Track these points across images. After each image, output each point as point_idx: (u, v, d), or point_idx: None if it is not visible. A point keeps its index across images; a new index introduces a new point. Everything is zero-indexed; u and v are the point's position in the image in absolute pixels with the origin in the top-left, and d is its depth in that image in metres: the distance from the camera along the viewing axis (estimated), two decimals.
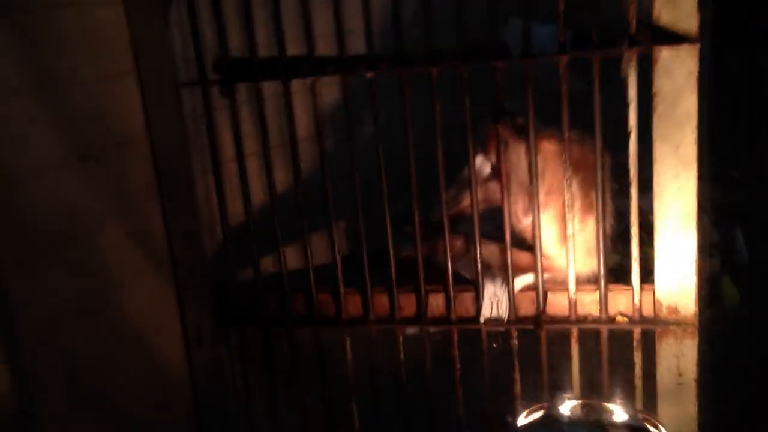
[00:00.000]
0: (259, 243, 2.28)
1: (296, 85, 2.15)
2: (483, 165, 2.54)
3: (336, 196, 2.20)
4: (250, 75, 2.16)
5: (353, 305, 2.27)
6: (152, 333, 2.20)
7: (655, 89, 1.93)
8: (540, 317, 2.11)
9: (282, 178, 2.30)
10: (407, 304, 2.23)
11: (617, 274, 2.12)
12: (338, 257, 2.21)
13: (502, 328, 2.13)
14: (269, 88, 2.23)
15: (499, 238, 2.21)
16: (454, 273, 2.18)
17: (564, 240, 2.08)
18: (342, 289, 2.24)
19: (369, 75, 2.07)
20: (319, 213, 2.24)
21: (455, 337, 2.18)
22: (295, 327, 2.29)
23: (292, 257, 2.34)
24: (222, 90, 2.17)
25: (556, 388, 2.14)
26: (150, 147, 2.19)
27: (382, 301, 2.25)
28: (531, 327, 2.12)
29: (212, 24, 2.18)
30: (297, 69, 2.13)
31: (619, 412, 1.71)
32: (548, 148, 2.09)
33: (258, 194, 2.37)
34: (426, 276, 2.20)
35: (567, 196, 2.02)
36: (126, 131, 2.16)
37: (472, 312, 2.19)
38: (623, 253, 2.17)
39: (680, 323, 2.03)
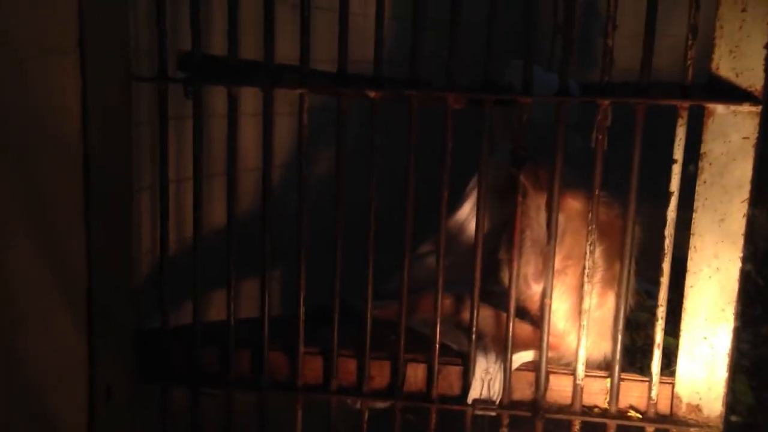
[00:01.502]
0: (200, 282, 1.86)
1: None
2: (470, 216, 2.23)
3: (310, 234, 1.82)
4: (226, 77, 1.76)
5: (312, 369, 1.86)
6: (49, 388, 1.73)
7: (703, 150, 1.68)
8: (539, 403, 1.77)
9: (244, 206, 1.90)
10: (379, 374, 1.85)
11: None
12: (301, 308, 1.81)
13: (493, 413, 1.78)
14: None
15: (496, 304, 1.88)
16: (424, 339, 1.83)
17: (576, 316, 1.77)
18: (302, 349, 1.83)
19: (373, 95, 1.72)
20: (279, 253, 1.85)
21: (434, 418, 1.81)
22: (236, 389, 1.86)
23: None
24: (187, 90, 1.76)
25: None
26: (83, 151, 1.75)
27: (348, 367, 1.86)
28: (527, 414, 1.78)
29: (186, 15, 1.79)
30: (284, 77, 1.76)
31: None
32: (573, 206, 1.79)
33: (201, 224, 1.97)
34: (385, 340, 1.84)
35: (588, 264, 1.72)
36: (55, 124, 1.71)
37: (457, 390, 1.83)
38: (633, 338, 1.89)
39: (701, 425, 1.74)
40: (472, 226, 2.21)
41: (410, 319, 1.86)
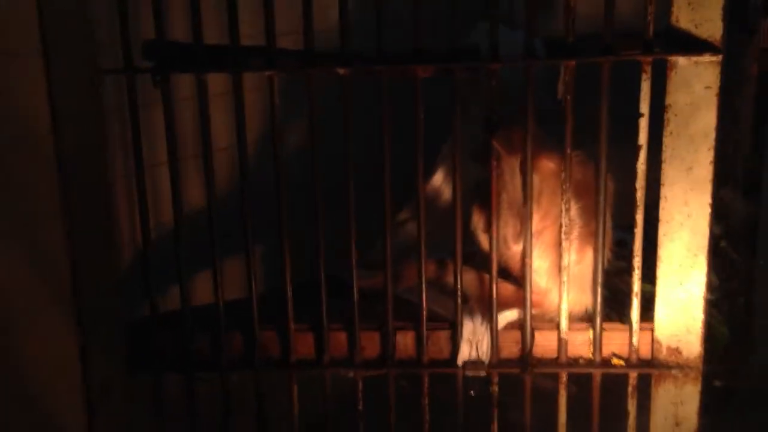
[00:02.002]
0: (182, 267, 1.87)
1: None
2: (445, 181, 2.26)
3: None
4: (193, 64, 1.76)
5: (304, 345, 1.89)
6: (46, 388, 1.74)
7: (668, 102, 1.71)
8: (527, 359, 1.83)
9: (219, 185, 1.90)
10: (369, 344, 1.89)
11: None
12: (289, 286, 1.84)
13: (483, 373, 1.84)
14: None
15: (478, 266, 1.92)
16: (412, 306, 1.88)
17: (556, 272, 1.82)
18: (292, 326, 1.86)
19: (342, 72, 1.73)
20: (264, 231, 1.87)
21: (426, 382, 1.86)
22: (230, 371, 1.89)
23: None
24: (155, 79, 1.75)
25: None
26: (54, 149, 1.74)
27: (339, 340, 1.89)
28: (516, 370, 1.84)
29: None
30: (251, 60, 1.76)
31: None
32: (548, 167, 1.83)
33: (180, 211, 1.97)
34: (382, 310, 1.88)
35: (565, 222, 1.76)
36: (26, 125, 1.70)
37: (446, 354, 1.88)
38: (612, 288, 1.95)
39: (682, 366, 1.81)
40: (447, 192, 2.27)
41: (395, 288, 1.89)
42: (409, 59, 1.73)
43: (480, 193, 1.93)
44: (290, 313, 1.85)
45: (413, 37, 1.73)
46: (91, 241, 1.79)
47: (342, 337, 1.89)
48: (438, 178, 2.24)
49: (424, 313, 1.83)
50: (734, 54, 1.73)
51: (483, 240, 1.96)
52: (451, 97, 1.75)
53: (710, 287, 1.83)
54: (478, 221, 1.95)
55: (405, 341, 1.88)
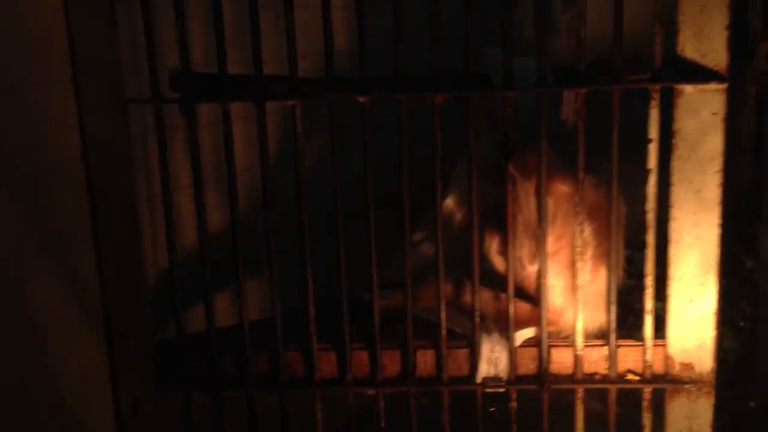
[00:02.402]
0: (209, 290, 1.93)
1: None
2: (457, 204, 2.33)
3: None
4: (217, 94, 1.83)
5: (327, 364, 1.95)
6: (78, 408, 1.80)
7: (676, 128, 1.79)
8: (544, 375, 1.89)
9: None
10: (390, 363, 1.95)
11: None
12: (311, 308, 1.90)
13: (502, 389, 1.89)
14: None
15: (493, 286, 1.98)
16: (430, 325, 1.94)
17: (571, 291, 1.88)
18: (315, 345, 1.92)
19: (362, 100, 1.80)
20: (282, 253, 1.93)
21: (446, 400, 1.91)
22: (256, 390, 1.94)
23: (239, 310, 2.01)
24: (182, 110, 1.82)
25: None
26: (86, 175, 1.81)
27: (361, 359, 1.95)
28: (533, 387, 1.90)
29: (172, 33, 1.85)
30: (273, 90, 1.83)
31: None
32: (561, 190, 1.89)
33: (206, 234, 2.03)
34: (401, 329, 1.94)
35: (579, 243, 1.83)
36: (58, 154, 1.77)
37: (465, 371, 1.94)
38: (624, 306, 2.00)
39: (695, 381, 1.87)
40: (459, 214, 2.33)
41: (413, 308, 1.95)
42: (427, 86, 1.80)
43: (493, 216, 1.99)
44: (313, 333, 1.91)
45: (430, 64, 1.80)
46: (120, 264, 1.85)
47: (363, 355, 1.94)
48: (450, 201, 2.31)
49: (443, 331, 1.89)
50: (734, 78, 1.80)
51: (497, 261, 2.02)
52: (465, 122, 1.82)
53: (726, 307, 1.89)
54: (491, 243, 2.02)
55: (425, 359, 1.94)
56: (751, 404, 2.46)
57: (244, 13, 1.81)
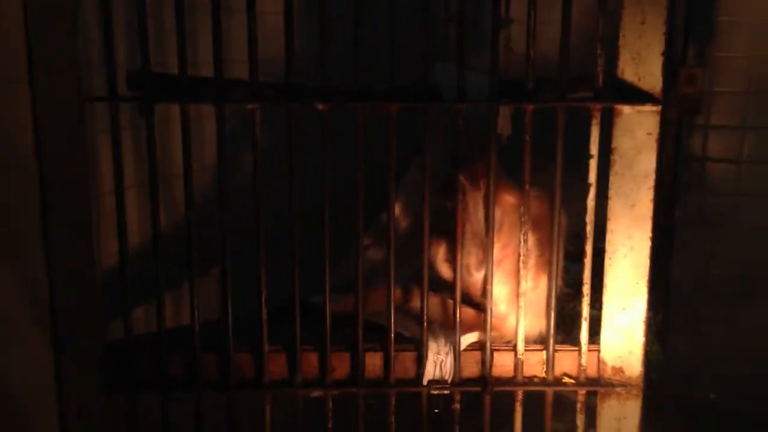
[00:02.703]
0: (162, 290, 1.93)
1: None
2: (402, 212, 2.40)
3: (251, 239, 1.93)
4: (177, 95, 1.84)
5: (277, 366, 1.98)
6: (25, 410, 1.77)
7: (614, 145, 1.91)
8: (487, 378, 1.98)
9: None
10: (340, 365, 1.99)
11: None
12: (264, 309, 1.93)
13: (447, 391, 1.97)
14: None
15: (440, 291, 2.06)
16: (384, 328, 2.00)
17: (514, 298, 1.98)
18: (266, 347, 1.95)
19: (321, 107, 1.85)
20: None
21: (393, 401, 1.97)
22: (205, 392, 1.95)
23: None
24: (141, 109, 1.83)
25: None
26: (38, 173, 1.79)
27: (310, 361, 1.99)
28: (477, 389, 1.98)
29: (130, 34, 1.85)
30: (234, 93, 1.86)
31: None
32: (508, 200, 1.99)
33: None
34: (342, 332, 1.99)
35: (523, 251, 1.93)
36: (10, 152, 1.75)
37: (412, 373, 2.00)
38: (562, 313, 2.11)
39: (625, 384, 1.99)
40: (404, 222, 2.40)
41: (364, 312, 2.00)
42: (384, 97, 1.87)
43: (439, 225, 2.07)
44: (265, 335, 1.93)
45: (389, 76, 1.87)
46: (71, 264, 1.83)
47: (313, 357, 1.98)
48: (397, 208, 2.37)
49: (392, 335, 1.95)
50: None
51: (442, 268, 2.10)
52: (421, 133, 1.89)
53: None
54: (437, 251, 2.09)
55: (373, 362, 1.99)
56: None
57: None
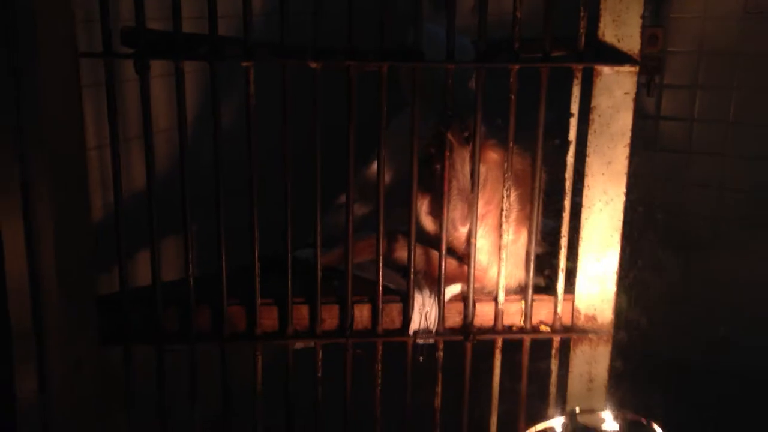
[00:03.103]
0: (156, 244, 1.96)
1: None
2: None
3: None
4: (171, 52, 1.85)
5: (269, 319, 2.04)
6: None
7: (593, 104, 2.00)
8: (469, 328, 2.08)
9: (161, 167, 1.99)
10: (329, 317, 2.06)
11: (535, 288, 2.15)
12: (257, 263, 1.98)
13: (431, 340, 2.06)
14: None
15: (424, 243, 2.14)
16: (368, 281, 2.08)
17: (496, 251, 2.07)
18: (258, 300, 2.00)
19: (314, 66, 1.89)
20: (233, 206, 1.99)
21: (380, 350, 2.06)
22: (198, 343, 2.00)
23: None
24: (137, 66, 1.83)
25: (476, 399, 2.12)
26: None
27: (301, 313, 2.05)
28: (460, 338, 2.08)
29: None
30: (227, 51, 1.87)
31: (610, 419, 1.73)
32: (493, 157, 2.06)
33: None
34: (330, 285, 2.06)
35: (505, 206, 2.02)
36: None
37: (398, 324, 2.09)
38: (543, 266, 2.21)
39: (596, 331, 2.11)
40: (386, 176, 2.45)
41: (346, 265, 2.07)
42: (377, 56, 1.91)
43: (422, 180, 2.13)
44: (257, 288, 1.98)
45: (380, 37, 1.91)
46: (70, 219, 1.84)
47: (304, 310, 2.05)
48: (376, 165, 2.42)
49: (380, 287, 2.03)
50: None
51: (426, 221, 2.17)
52: (412, 90, 1.95)
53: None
54: (421, 205, 2.16)
55: (361, 314, 2.07)
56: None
57: None
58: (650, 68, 2.81)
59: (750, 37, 3.37)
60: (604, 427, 1.70)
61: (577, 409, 1.82)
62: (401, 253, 2.13)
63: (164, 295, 1.98)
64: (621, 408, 1.78)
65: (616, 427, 1.68)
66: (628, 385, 2.25)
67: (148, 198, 1.92)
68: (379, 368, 2.07)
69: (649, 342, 2.97)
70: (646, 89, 2.96)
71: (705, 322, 3.41)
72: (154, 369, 1.98)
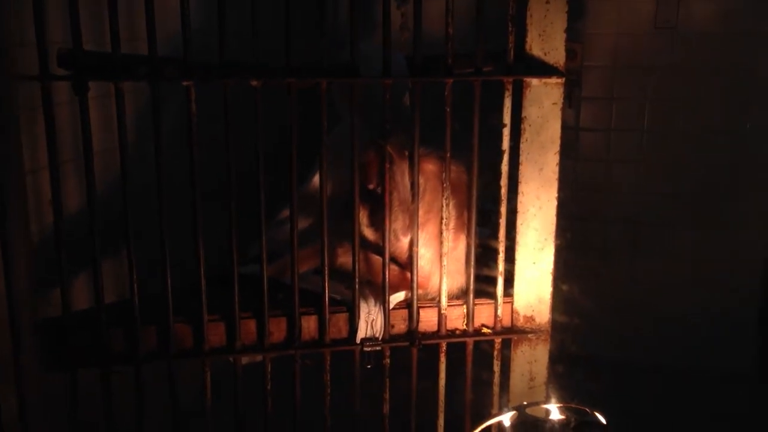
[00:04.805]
0: (98, 264, 1.95)
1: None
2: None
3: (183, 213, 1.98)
4: (110, 73, 1.86)
5: (216, 335, 2.05)
6: None
7: (524, 114, 2.10)
8: (415, 333, 2.13)
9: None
10: (276, 330, 2.09)
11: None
12: (203, 280, 1.99)
13: (378, 347, 2.11)
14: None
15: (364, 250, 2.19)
16: (312, 292, 2.12)
17: (437, 258, 2.14)
18: (206, 317, 2.01)
19: (255, 84, 1.92)
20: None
21: (328, 360, 2.09)
22: (146, 362, 1.99)
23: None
24: (76, 88, 1.83)
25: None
26: None
27: (249, 328, 2.07)
28: (405, 344, 2.13)
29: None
30: (167, 70, 1.89)
31: (555, 412, 1.80)
32: (430, 168, 2.13)
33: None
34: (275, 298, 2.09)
35: (444, 215, 2.09)
36: None
37: (345, 333, 2.13)
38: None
39: (535, 331, 2.20)
40: (327, 190, 2.50)
41: (288, 277, 2.10)
42: (317, 73, 1.96)
43: (361, 193, 2.19)
44: (204, 304, 1.99)
45: (320, 55, 1.96)
46: (8, 243, 1.82)
47: (251, 324, 2.07)
48: (316, 179, 2.46)
49: (326, 298, 2.06)
50: None
51: (367, 233, 2.23)
52: (350, 106, 2.00)
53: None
54: (362, 216, 2.21)
55: (308, 325, 2.10)
56: None
57: None
58: (570, 82, 2.94)
59: (660, 51, 3.58)
60: (551, 418, 1.78)
61: (525, 403, 1.89)
62: (344, 259, 2.17)
63: (108, 317, 1.96)
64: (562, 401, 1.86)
65: (562, 417, 1.76)
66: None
67: (90, 218, 1.91)
68: (328, 378, 2.10)
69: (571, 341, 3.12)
70: (567, 102, 3.09)
71: (624, 321, 3.61)
72: (101, 392, 1.96)
